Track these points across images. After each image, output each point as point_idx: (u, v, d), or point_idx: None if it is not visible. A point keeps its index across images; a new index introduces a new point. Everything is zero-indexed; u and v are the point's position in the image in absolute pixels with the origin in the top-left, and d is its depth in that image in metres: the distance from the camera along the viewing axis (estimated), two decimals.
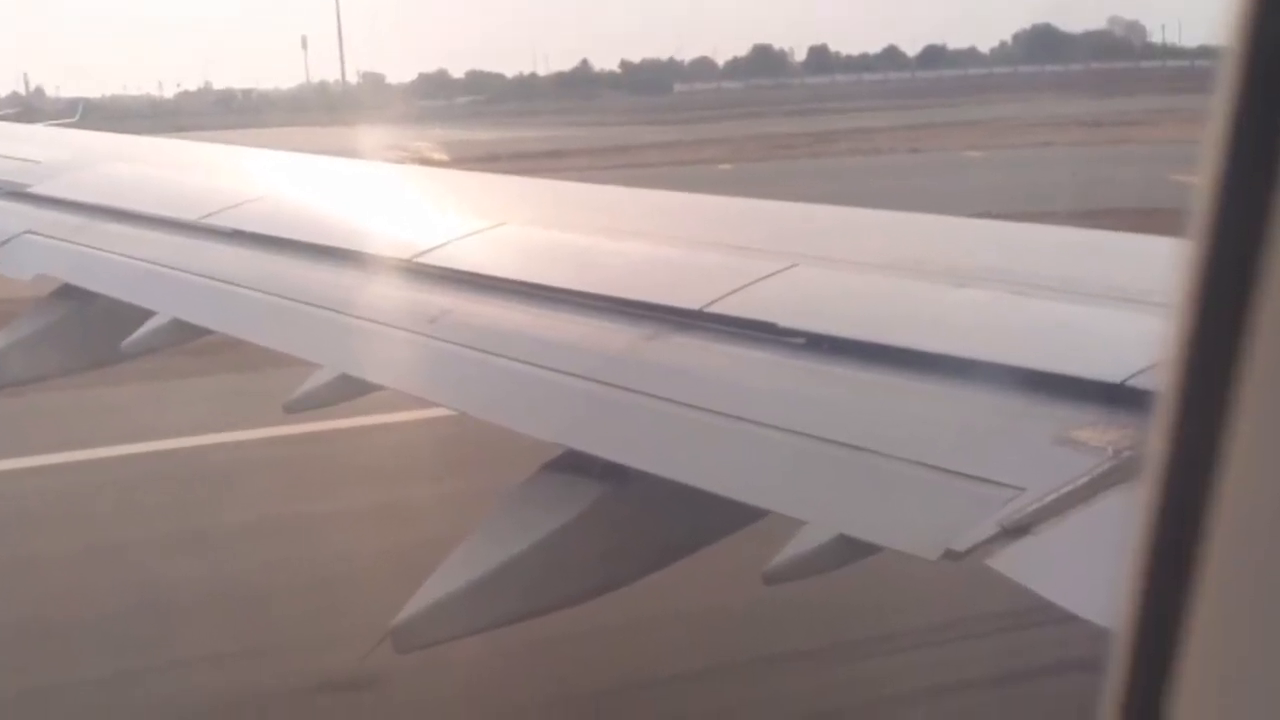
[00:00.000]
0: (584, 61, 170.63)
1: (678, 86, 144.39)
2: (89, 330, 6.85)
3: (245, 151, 10.22)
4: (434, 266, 5.27)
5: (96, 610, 8.84)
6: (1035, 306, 3.78)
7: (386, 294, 5.30)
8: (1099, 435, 2.83)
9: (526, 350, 4.37)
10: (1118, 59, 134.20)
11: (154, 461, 12.14)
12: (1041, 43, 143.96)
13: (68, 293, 6.93)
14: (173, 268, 6.30)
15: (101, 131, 13.83)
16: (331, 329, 5.19)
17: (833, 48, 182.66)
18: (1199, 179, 1.02)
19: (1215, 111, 1.00)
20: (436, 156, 46.93)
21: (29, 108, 78.96)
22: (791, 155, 47.99)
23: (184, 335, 5.97)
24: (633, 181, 8.43)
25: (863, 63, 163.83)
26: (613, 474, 3.79)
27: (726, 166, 43.81)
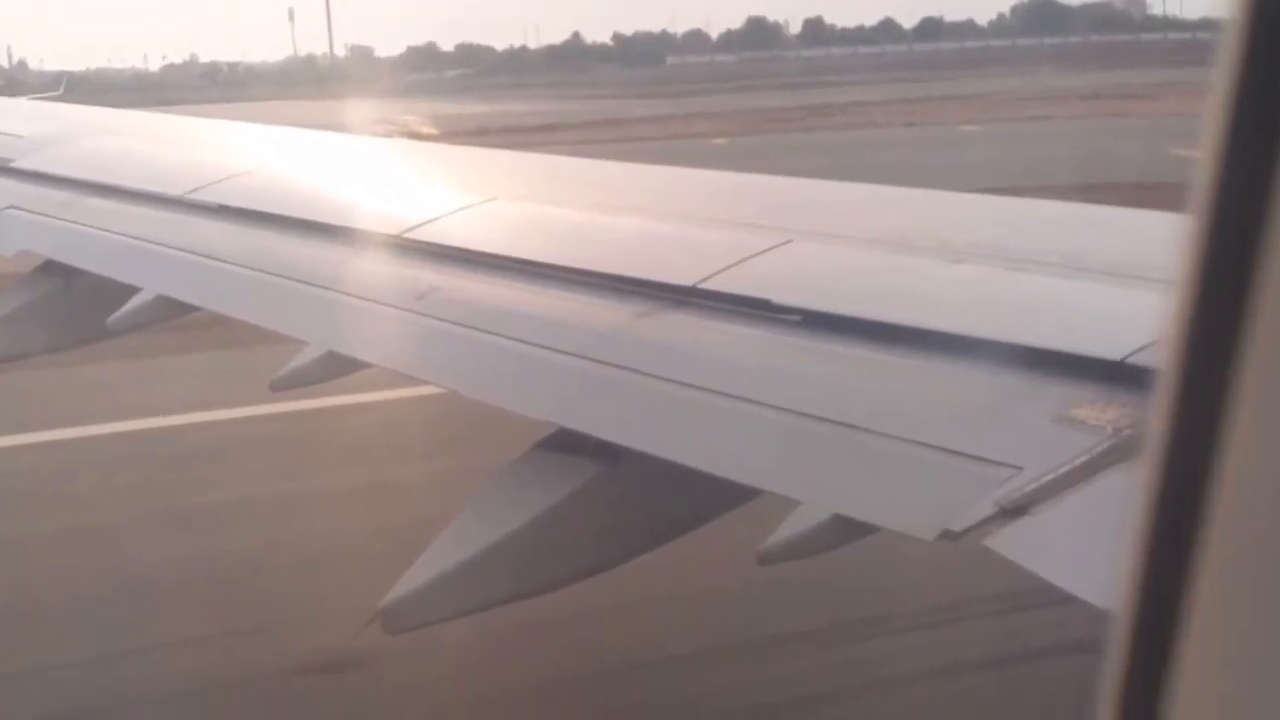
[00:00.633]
0: (575, 34, 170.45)
1: (670, 59, 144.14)
2: (73, 307, 6.84)
3: (231, 125, 10.21)
4: (423, 242, 5.27)
5: (79, 592, 8.83)
6: (1033, 282, 3.78)
7: (375, 270, 5.29)
8: (1098, 414, 2.83)
9: (517, 327, 4.37)
10: (1117, 31, 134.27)
11: (139, 440, 12.12)
12: (1040, 15, 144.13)
13: (51, 269, 6.93)
14: (158, 243, 6.29)
15: (86, 105, 13.79)
16: (319, 305, 5.19)
17: (828, 20, 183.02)
18: (1200, 153, 1.02)
19: (1216, 85, 1.00)
20: (425, 130, 46.91)
21: (12, 81, 78.94)
22: (786, 129, 47.91)
23: (170, 312, 5.97)
24: (625, 156, 8.42)
25: (858, 35, 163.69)
26: (605, 453, 3.79)
27: (720, 141, 43.75)
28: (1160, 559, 1.06)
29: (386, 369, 4.90)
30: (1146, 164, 23.16)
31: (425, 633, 4.01)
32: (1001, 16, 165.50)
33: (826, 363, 3.61)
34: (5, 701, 7.69)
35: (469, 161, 7.96)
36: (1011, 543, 2.58)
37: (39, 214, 7.18)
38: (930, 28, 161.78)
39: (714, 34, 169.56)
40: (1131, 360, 2.89)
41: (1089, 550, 2.44)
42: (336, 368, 4.93)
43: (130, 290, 5.96)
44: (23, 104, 15.84)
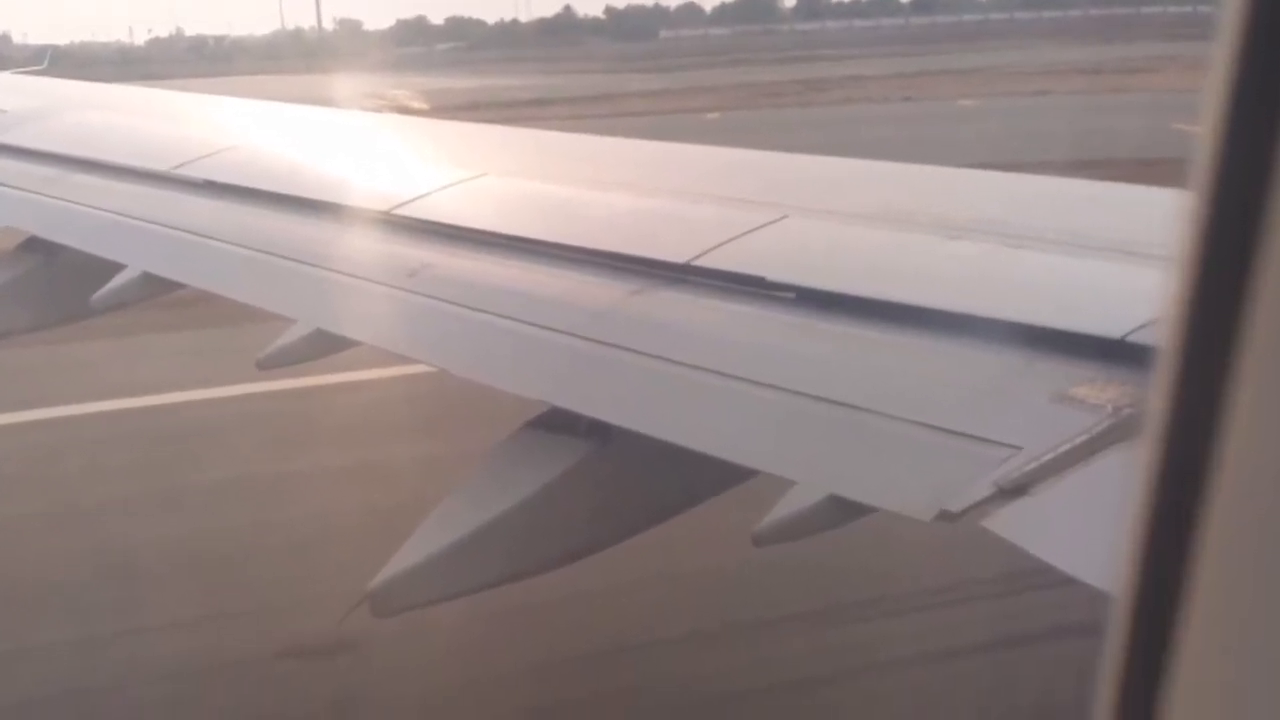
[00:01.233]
0: (567, 7, 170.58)
1: (663, 33, 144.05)
2: (56, 284, 6.82)
3: (218, 100, 10.18)
4: (413, 219, 5.26)
5: (64, 574, 8.84)
6: (1032, 259, 3.78)
7: (364, 247, 5.28)
8: (1098, 392, 2.83)
9: (508, 305, 4.36)
10: (1118, 4, 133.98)
11: (123, 420, 12.12)
12: None
13: (34, 246, 6.90)
14: (143, 220, 6.28)
15: (70, 79, 13.76)
16: (307, 283, 5.18)
17: None
18: (1201, 128, 1.02)
19: (1217, 59, 0.99)
20: (415, 105, 46.91)
21: None
22: (781, 104, 47.91)
23: (155, 289, 5.95)
24: (617, 131, 8.40)
25: (854, 8, 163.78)
26: (596, 432, 3.79)
27: (714, 115, 43.71)
28: (1161, 540, 1.06)
29: (375, 347, 4.89)
30: (1146, 139, 23.18)
31: (415, 615, 4.01)
32: None
33: (822, 341, 3.61)
34: None
35: (459, 136, 7.94)
36: (1010, 524, 2.58)
37: (21, 190, 7.15)
38: (927, 1, 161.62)
39: (708, 7, 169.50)
40: (1132, 338, 2.88)
41: (1088, 531, 2.44)
42: (325, 346, 4.92)
43: (114, 267, 5.95)
44: (5, 78, 15.79)
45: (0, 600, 8.50)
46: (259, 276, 5.41)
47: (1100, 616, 1.14)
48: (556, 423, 3.91)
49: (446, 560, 3.77)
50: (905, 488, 2.91)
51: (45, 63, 50.95)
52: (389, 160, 6.77)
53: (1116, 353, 2.90)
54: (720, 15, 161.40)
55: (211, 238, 5.84)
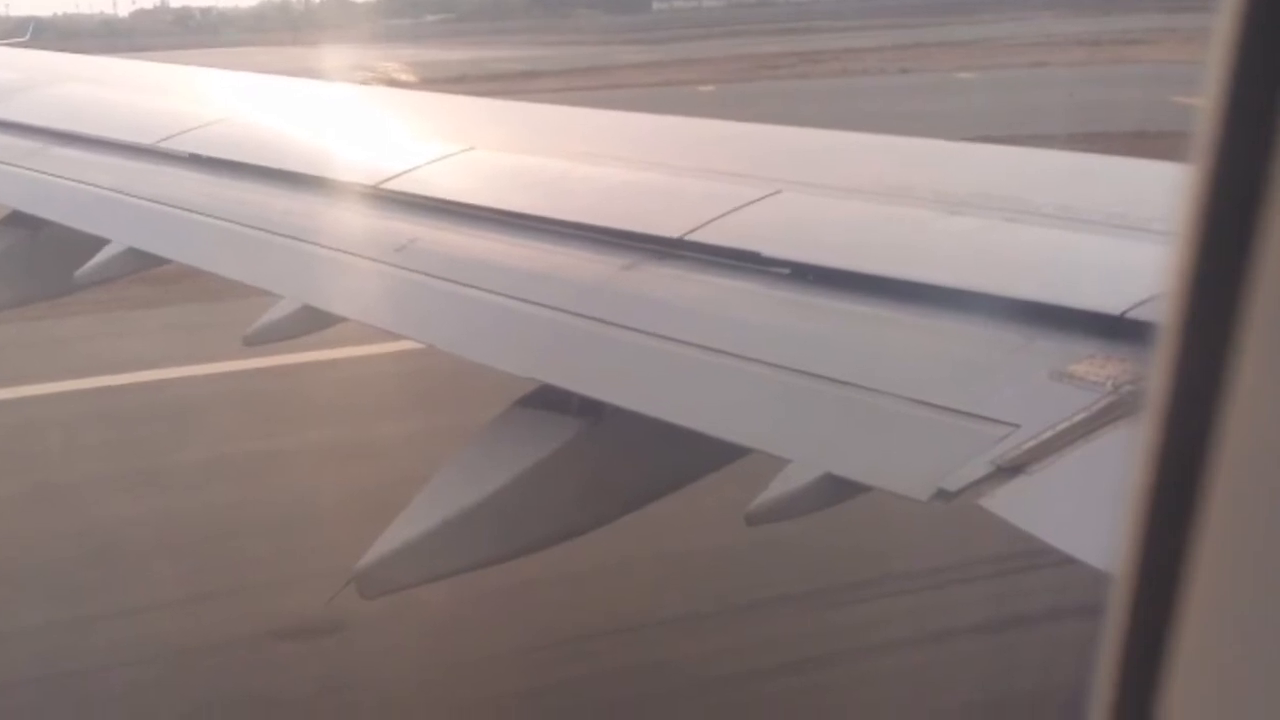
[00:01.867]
0: None
1: (656, 4, 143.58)
2: (39, 259, 6.81)
3: (203, 72, 10.15)
4: (401, 193, 5.25)
5: (45, 554, 8.84)
6: (1030, 234, 3.77)
7: (351, 221, 5.28)
8: (1097, 369, 2.83)
9: (498, 281, 4.36)
10: None
11: (106, 397, 12.11)
12: None
13: (16, 220, 6.89)
14: (127, 194, 6.27)
15: (53, 51, 13.73)
16: (293, 258, 5.17)
17: None
18: (1202, 101, 1.02)
19: (1219, 30, 0.99)
20: (403, 77, 46.81)
21: None
22: (776, 76, 47.81)
23: (139, 264, 5.94)
24: (610, 104, 8.38)
25: None
26: (588, 410, 3.79)
27: (708, 88, 43.63)
28: (1161, 519, 1.06)
29: (363, 324, 4.88)
30: (1147, 112, 23.16)
31: (402, 596, 4.01)
32: None
33: (817, 317, 3.60)
34: None
35: (448, 110, 7.93)
36: (1008, 503, 2.58)
37: (4, 164, 7.14)
38: None
39: None
40: (1132, 314, 2.88)
41: (1087, 510, 2.44)
42: (312, 322, 4.92)
43: (98, 242, 5.94)
44: None
45: None
46: (245, 252, 5.40)
47: (1100, 597, 1.14)
48: (547, 400, 3.91)
49: (435, 540, 3.77)
50: (901, 466, 2.91)
51: (28, 34, 50.89)
52: (376, 133, 6.76)
53: (1116, 329, 2.90)
54: None
55: (197, 212, 5.83)
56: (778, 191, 4.42)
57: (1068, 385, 2.81)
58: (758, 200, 4.34)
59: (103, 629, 7.92)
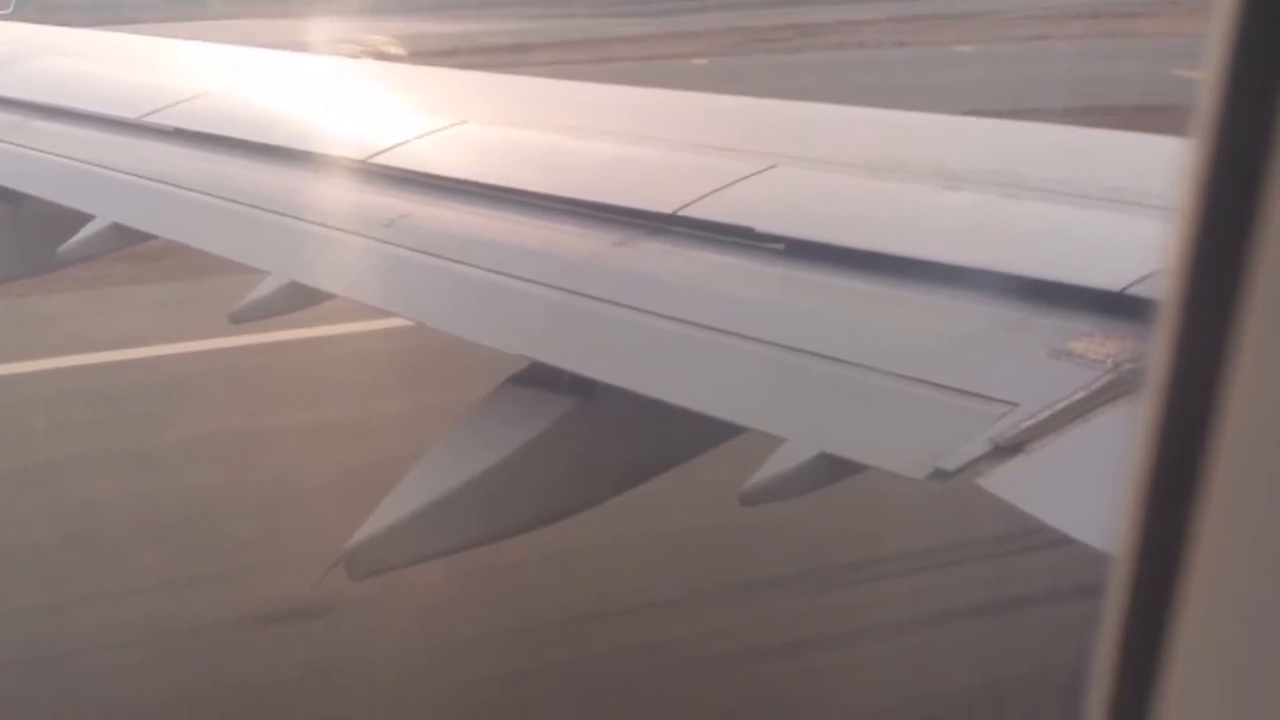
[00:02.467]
0: None
1: None
2: (21, 235, 6.79)
3: (189, 45, 10.12)
4: (390, 167, 5.24)
5: (28, 536, 8.83)
6: (1029, 210, 3.77)
7: (340, 196, 5.27)
8: (1097, 347, 2.82)
9: (488, 257, 4.35)
10: None
11: (90, 375, 12.08)
12: None
13: None
14: (112, 169, 6.25)
15: (37, 24, 13.69)
16: (281, 234, 5.16)
17: None
18: (1204, 74, 1.01)
19: (1221, 3, 0.98)
20: (393, 50, 46.69)
21: None
22: (771, 49, 47.71)
23: (123, 240, 5.93)
24: (602, 77, 8.37)
25: None
26: (579, 388, 3.79)
27: (702, 61, 43.55)
28: (1162, 498, 1.05)
29: (352, 300, 4.88)
30: (1147, 86, 23.13)
31: (391, 578, 4.01)
32: None
33: (812, 293, 3.60)
34: None
35: (438, 83, 7.90)
36: (1006, 482, 2.57)
37: None
38: None
39: None
40: (1132, 291, 2.88)
41: (1087, 490, 2.44)
42: (299, 299, 4.91)
43: (82, 218, 5.93)
44: None
45: None
46: (232, 227, 5.39)
47: (1099, 578, 1.14)
48: (538, 378, 3.90)
49: (425, 520, 3.77)
50: (898, 445, 2.91)
51: (10, 7, 50.70)
52: (365, 107, 6.74)
53: (1116, 306, 2.90)
54: None
55: (183, 187, 5.81)
56: (772, 166, 4.41)
57: (1067, 363, 2.81)
58: (752, 175, 4.33)
59: (84, 612, 7.92)
